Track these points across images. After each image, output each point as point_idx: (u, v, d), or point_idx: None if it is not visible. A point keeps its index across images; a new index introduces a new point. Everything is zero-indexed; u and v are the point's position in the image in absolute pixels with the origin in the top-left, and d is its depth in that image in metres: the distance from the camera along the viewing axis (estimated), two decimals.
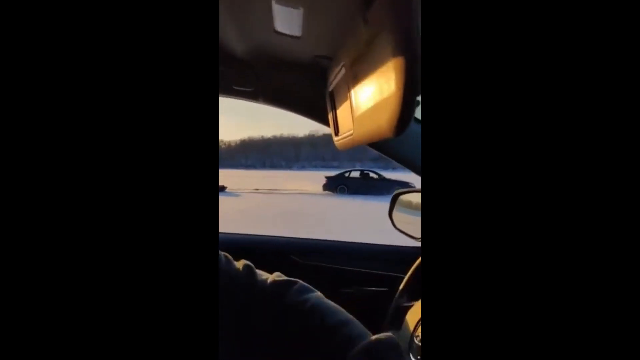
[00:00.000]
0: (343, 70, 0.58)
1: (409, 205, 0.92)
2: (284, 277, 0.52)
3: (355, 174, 14.45)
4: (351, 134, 0.58)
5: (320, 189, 14.18)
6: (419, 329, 0.68)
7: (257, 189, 14.85)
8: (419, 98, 0.34)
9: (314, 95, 0.79)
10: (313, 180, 18.15)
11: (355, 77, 0.50)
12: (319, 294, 0.51)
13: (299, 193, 13.96)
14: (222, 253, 0.52)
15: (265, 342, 0.47)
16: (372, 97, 0.43)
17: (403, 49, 0.33)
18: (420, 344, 0.64)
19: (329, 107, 0.74)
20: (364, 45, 0.44)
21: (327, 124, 0.80)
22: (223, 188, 13.07)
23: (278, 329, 0.47)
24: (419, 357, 0.63)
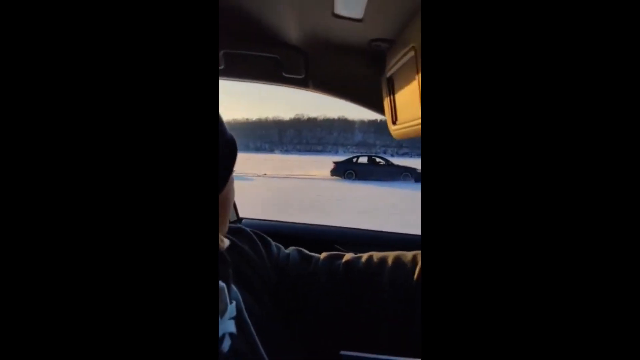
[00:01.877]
0: (410, 54, 0.54)
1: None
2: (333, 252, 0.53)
3: (363, 160, 14.54)
4: (416, 124, 0.55)
5: (327, 174, 14.16)
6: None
7: (266, 174, 14.64)
8: None
9: (368, 81, 0.76)
10: (315, 165, 18.11)
11: (419, 61, 0.48)
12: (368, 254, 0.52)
13: (310, 178, 13.90)
14: (273, 243, 0.53)
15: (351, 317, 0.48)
16: None
17: None
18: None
19: (385, 94, 0.71)
20: None
21: (381, 111, 0.77)
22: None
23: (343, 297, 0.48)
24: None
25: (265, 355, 0.41)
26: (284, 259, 0.53)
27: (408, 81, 0.55)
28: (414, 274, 0.47)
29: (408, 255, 0.50)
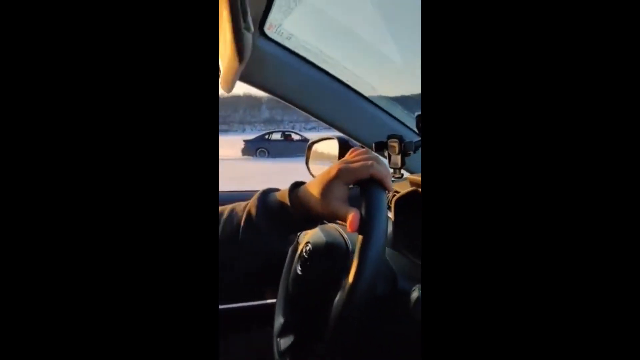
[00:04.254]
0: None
1: (322, 154, 0.91)
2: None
3: (277, 136, 13.58)
4: (221, 73, 0.54)
5: (237, 153, 12.96)
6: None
7: None
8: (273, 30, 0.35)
9: None
10: (222, 145, 16.66)
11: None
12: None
13: (220, 159, 12.52)
14: None
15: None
16: (222, 33, 0.42)
17: None
18: (306, 255, 0.63)
19: None
20: None
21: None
22: None
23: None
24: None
25: None
26: None
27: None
28: (240, 223, 0.49)
29: (241, 205, 0.52)
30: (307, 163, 0.93)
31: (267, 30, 0.78)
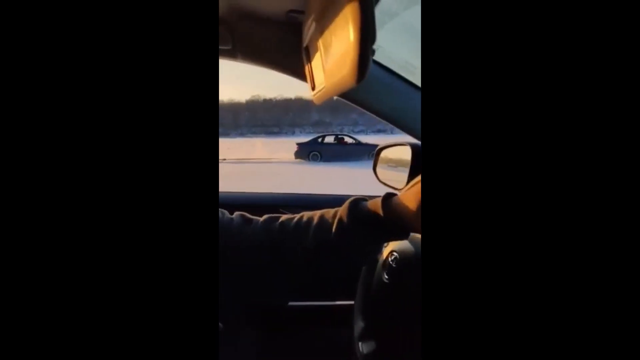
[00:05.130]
0: (313, 25, 0.57)
1: (392, 160, 0.89)
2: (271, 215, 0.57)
3: (330, 139, 13.52)
4: (323, 87, 0.57)
5: (290, 156, 13.00)
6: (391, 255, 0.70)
7: (225, 159, 13.12)
8: (375, 46, 0.37)
9: (291, 50, 0.78)
10: (276, 148, 16.88)
11: (322, 30, 0.51)
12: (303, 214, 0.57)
13: (273, 162, 12.67)
14: (220, 210, 0.58)
15: (270, 272, 0.54)
16: (335, 49, 0.44)
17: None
18: (393, 263, 0.67)
19: (305, 62, 0.71)
20: None
21: (304, 79, 0.74)
22: None
23: (275, 253, 0.53)
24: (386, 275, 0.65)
25: None
26: (228, 221, 0.58)
27: (317, 49, 0.57)
28: (332, 228, 0.52)
29: (331, 212, 0.55)
30: (374, 169, 0.91)
31: None
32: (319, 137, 13.82)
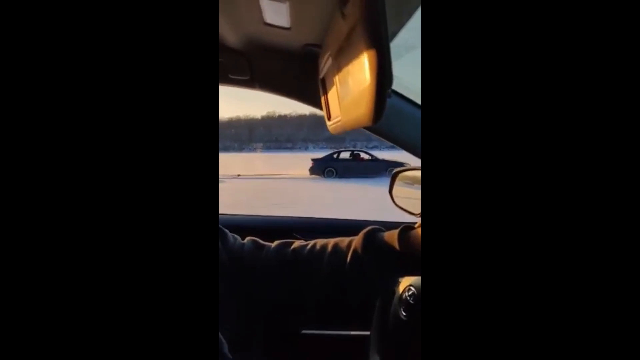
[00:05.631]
0: (330, 60, 0.59)
1: (407, 183, 0.87)
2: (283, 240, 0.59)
3: (345, 155, 13.45)
4: (339, 120, 0.60)
5: (304, 172, 12.98)
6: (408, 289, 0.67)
7: (239, 175, 13.22)
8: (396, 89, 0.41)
9: (307, 81, 0.81)
10: (290, 163, 16.96)
11: (339, 67, 0.52)
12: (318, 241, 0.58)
13: (288, 178, 12.68)
14: (230, 233, 0.59)
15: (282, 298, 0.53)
16: (351, 87, 0.45)
17: (373, 44, 0.35)
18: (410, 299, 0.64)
19: (321, 93, 0.75)
20: (344, 38, 0.45)
21: (321, 108, 0.80)
22: None
23: (286, 280, 0.52)
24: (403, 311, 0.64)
25: (222, 336, 0.45)
26: (239, 247, 0.58)
27: (332, 83, 0.59)
28: (347, 258, 0.51)
29: (345, 240, 0.55)
30: (390, 192, 0.90)
31: None
32: (334, 152, 13.68)
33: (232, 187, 9.71)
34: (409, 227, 0.52)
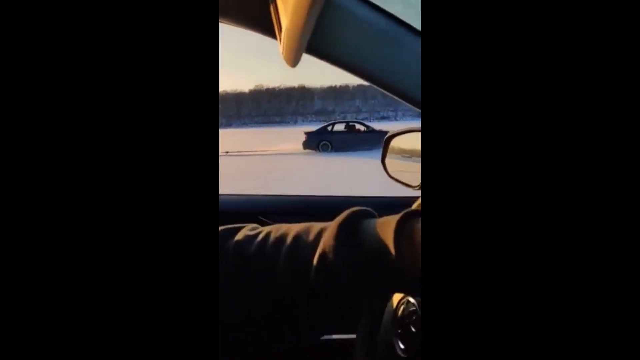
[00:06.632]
0: None
1: (404, 150, 0.78)
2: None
3: (340, 127, 12.72)
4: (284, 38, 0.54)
5: (297, 147, 12.21)
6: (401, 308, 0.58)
7: (227, 152, 12.35)
8: None
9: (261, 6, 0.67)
10: (281, 138, 16.13)
11: None
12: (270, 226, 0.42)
13: (280, 153, 11.87)
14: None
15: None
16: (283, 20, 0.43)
17: None
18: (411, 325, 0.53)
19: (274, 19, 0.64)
20: None
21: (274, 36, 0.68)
22: None
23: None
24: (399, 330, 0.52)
25: None
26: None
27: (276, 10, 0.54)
28: (311, 259, 0.35)
29: (313, 229, 0.38)
30: (383, 160, 0.79)
31: None
32: (328, 125, 12.92)
33: (221, 166, 8.94)
34: (411, 213, 0.33)
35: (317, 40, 0.64)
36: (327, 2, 0.60)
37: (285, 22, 0.45)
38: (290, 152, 12.02)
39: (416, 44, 0.63)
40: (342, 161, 9.14)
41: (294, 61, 0.53)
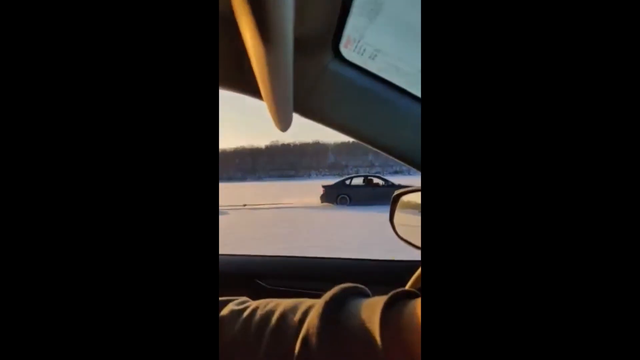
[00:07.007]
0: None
1: (413, 209, 0.77)
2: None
3: (358, 181, 12.80)
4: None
5: (315, 201, 12.27)
6: None
7: (245, 205, 12.46)
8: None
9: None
10: (298, 191, 16.27)
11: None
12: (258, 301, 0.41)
13: (298, 207, 11.90)
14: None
15: None
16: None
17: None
18: None
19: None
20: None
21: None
22: None
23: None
24: None
25: None
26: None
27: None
28: (297, 337, 0.33)
29: (303, 305, 0.36)
30: (391, 219, 0.78)
31: (344, 47, 0.63)
32: (346, 178, 13.02)
33: (238, 219, 8.92)
34: (400, 294, 0.31)
35: (315, 105, 0.67)
36: (324, 69, 0.63)
37: (262, 92, 0.46)
38: (309, 206, 12.05)
39: (412, 109, 0.65)
40: (359, 215, 9.09)
41: (281, 127, 0.52)
